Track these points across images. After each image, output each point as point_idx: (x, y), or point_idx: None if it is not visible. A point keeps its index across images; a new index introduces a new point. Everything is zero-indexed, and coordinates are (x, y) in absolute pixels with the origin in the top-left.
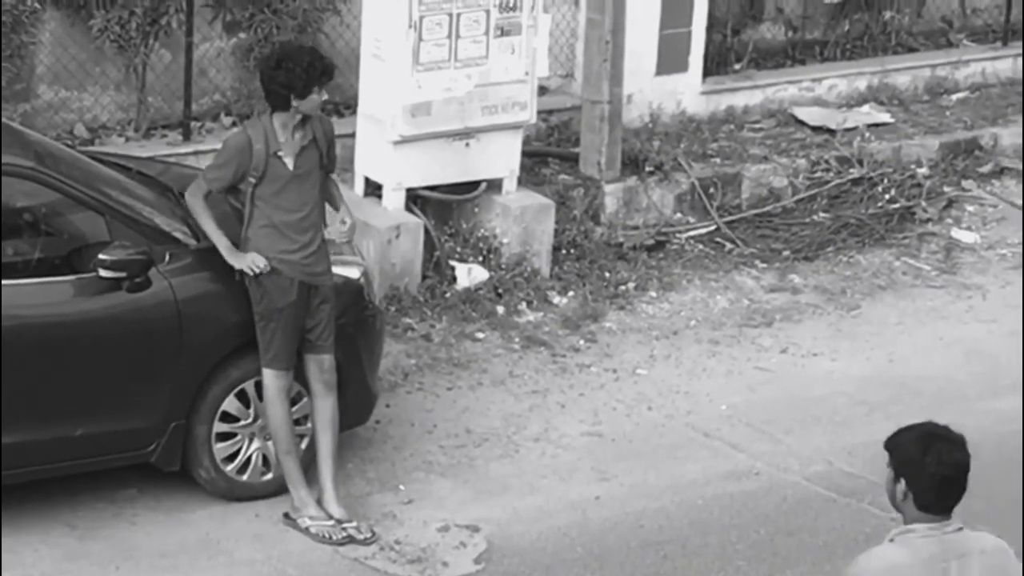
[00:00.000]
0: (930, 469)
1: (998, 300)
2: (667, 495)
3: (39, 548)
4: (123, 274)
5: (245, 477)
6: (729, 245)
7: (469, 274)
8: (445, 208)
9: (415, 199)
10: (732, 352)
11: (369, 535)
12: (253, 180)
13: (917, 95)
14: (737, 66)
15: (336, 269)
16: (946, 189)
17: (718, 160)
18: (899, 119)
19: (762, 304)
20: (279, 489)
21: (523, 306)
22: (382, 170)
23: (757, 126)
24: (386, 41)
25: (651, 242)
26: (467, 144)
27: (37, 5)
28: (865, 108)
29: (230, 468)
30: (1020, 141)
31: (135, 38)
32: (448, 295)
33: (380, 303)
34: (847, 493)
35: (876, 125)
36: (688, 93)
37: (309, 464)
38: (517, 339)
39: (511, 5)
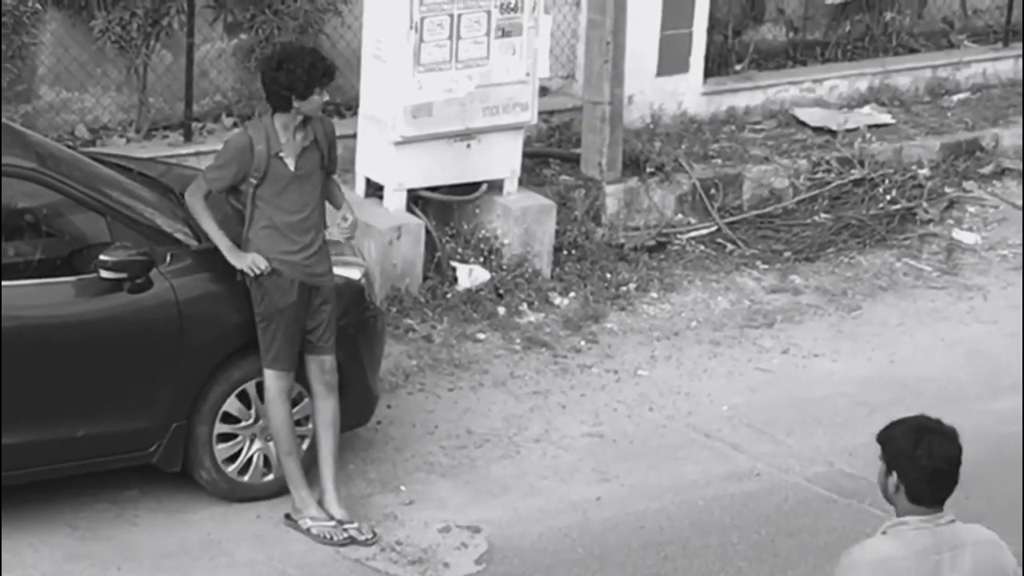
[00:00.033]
0: (922, 462)
1: (999, 301)
2: (668, 496)
3: (40, 549)
4: (124, 275)
5: (246, 478)
6: (730, 246)
7: (470, 275)
8: (446, 209)
9: (416, 200)
10: (733, 353)
11: (370, 536)
12: (254, 181)
13: (918, 96)
14: (738, 67)
15: (337, 270)
16: (947, 190)
17: (719, 161)
18: (900, 120)
19: (763, 305)
20: (280, 490)
21: (524, 307)
22: (383, 171)
23: (758, 127)
24: (387, 42)
25: (652, 243)
26: (468, 145)
27: (38, 6)
28: (866, 109)
29: (231, 469)
30: (1021, 142)
31: (136, 39)
32: (449, 296)
33: (381, 304)
34: (848, 494)
35: (877, 126)
36: (689, 94)
37: (310, 465)
38: (518, 340)
39: (512, 6)
